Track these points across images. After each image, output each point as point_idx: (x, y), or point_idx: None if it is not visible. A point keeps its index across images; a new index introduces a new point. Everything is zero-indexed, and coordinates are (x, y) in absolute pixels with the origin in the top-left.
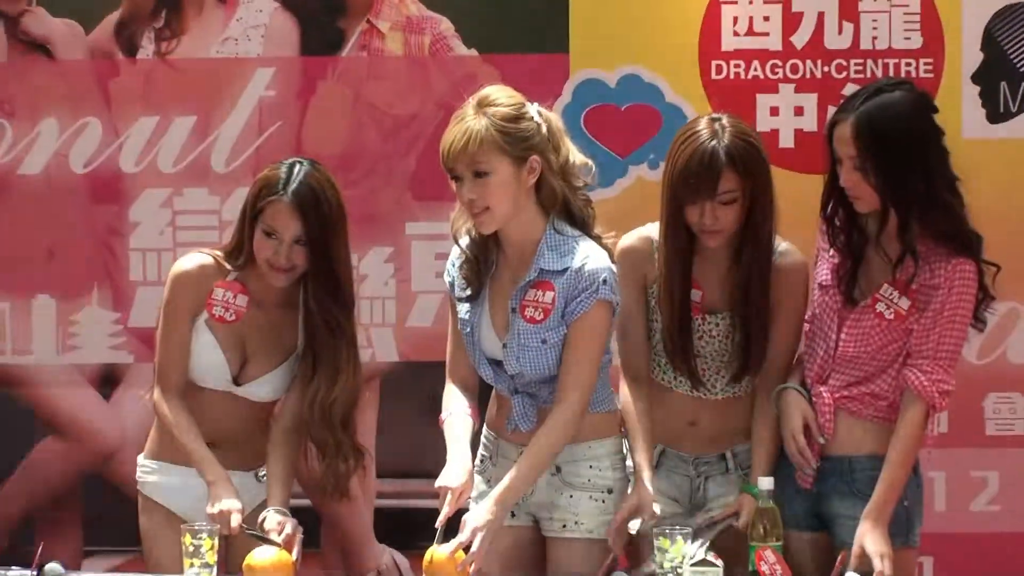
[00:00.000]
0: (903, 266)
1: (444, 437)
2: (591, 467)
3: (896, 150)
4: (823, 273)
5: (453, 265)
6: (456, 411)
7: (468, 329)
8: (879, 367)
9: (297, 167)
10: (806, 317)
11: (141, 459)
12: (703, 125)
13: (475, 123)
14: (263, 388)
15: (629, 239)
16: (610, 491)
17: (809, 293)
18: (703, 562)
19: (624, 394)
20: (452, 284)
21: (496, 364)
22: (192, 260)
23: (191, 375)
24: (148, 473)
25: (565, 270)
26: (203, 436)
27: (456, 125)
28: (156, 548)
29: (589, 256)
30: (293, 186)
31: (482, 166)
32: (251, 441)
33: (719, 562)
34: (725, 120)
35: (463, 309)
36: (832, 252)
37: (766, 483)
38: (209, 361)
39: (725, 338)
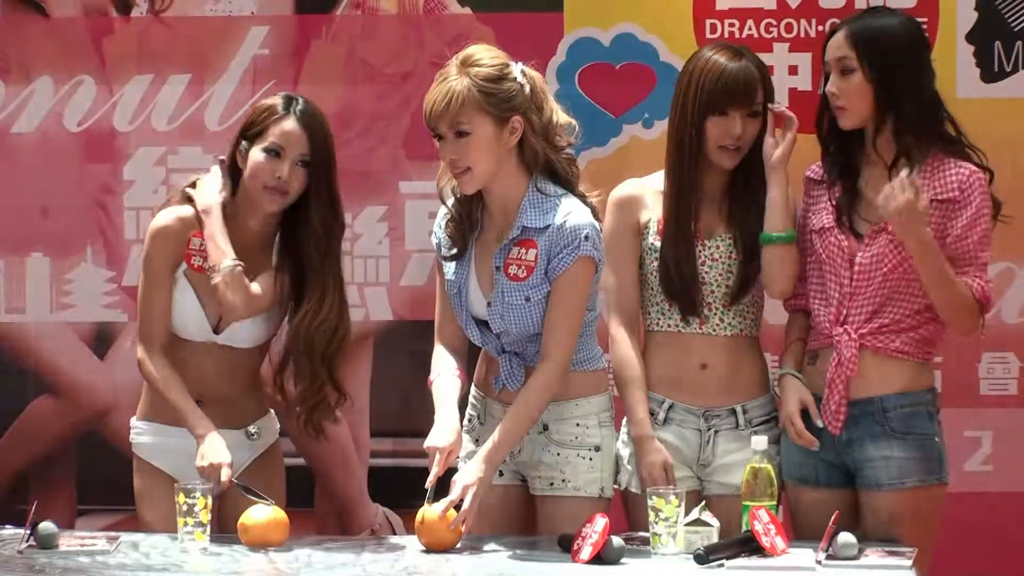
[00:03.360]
0: (896, 169)
1: (434, 399)
2: (578, 425)
3: (888, 48)
4: (823, 219)
5: (439, 226)
6: (444, 372)
7: (455, 289)
8: (895, 287)
9: (293, 95)
10: (807, 272)
11: (134, 421)
12: (723, 47)
13: (457, 83)
14: (242, 334)
15: (622, 188)
16: (597, 448)
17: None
18: (697, 521)
19: (620, 344)
20: (439, 245)
21: (482, 324)
22: (170, 214)
23: (173, 328)
24: (140, 434)
25: (547, 227)
26: (190, 393)
27: (438, 85)
28: (149, 509)
29: (571, 212)
30: (298, 107)
31: (463, 126)
32: (239, 397)
33: (714, 521)
34: (738, 48)
35: (449, 269)
36: (831, 194)
37: (760, 443)
38: (189, 311)
39: (727, 258)
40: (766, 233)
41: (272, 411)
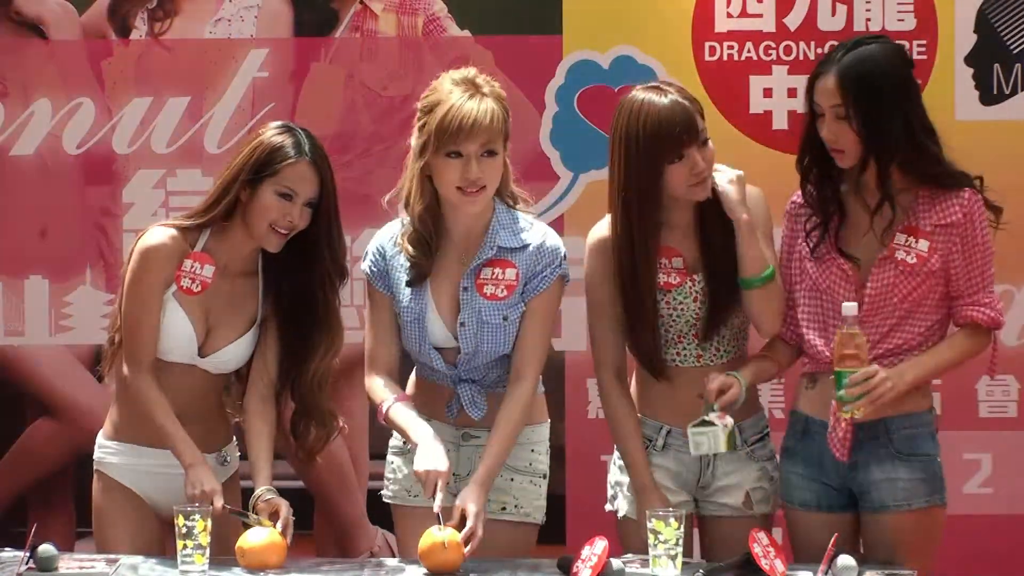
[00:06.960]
0: (881, 213)
1: (398, 424)
2: (532, 451)
3: (878, 96)
4: (819, 247)
5: (380, 255)
6: (397, 398)
7: (412, 316)
8: (903, 315)
9: (298, 131)
10: (797, 299)
11: (101, 439)
12: (646, 90)
13: (490, 103)
14: (227, 358)
15: (600, 230)
16: (544, 476)
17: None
18: (703, 423)
19: (611, 397)
20: (375, 275)
21: (440, 351)
22: (162, 234)
23: (158, 349)
24: (110, 454)
25: (525, 247)
26: None
27: (468, 102)
28: (113, 529)
29: (547, 233)
30: (307, 148)
31: (495, 145)
32: (209, 419)
33: (720, 421)
34: (657, 83)
35: (405, 296)
36: (823, 220)
37: (850, 309)
38: (178, 334)
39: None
40: (744, 278)
41: (235, 438)
